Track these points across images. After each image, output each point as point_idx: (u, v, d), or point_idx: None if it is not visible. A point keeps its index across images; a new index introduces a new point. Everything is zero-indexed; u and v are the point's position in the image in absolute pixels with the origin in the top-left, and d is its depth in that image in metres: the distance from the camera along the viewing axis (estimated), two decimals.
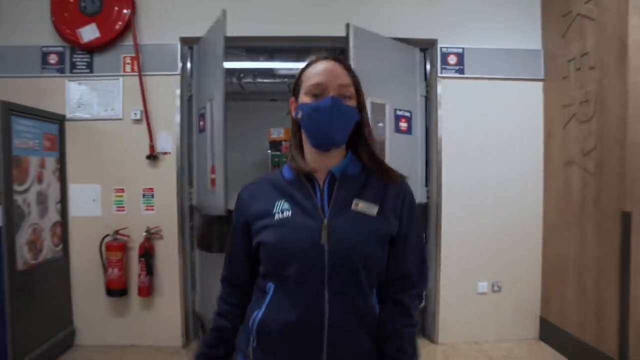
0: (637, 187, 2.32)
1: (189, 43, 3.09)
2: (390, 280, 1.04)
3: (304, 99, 1.02)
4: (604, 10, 2.52)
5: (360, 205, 1.00)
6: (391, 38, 3.01)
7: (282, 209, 1.01)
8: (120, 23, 2.95)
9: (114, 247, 2.92)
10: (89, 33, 2.94)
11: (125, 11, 2.96)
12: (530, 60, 3.12)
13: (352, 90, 1.02)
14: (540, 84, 3.13)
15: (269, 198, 1.04)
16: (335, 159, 1.05)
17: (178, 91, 3.03)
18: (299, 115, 1.02)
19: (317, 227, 0.97)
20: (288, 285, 0.97)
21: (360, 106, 1.05)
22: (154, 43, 3.01)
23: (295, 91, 1.07)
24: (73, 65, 3.01)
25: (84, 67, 3.01)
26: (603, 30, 2.53)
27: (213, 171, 2.73)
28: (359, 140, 1.06)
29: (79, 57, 3.01)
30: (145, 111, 2.99)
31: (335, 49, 3.06)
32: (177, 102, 3.03)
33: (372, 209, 1.01)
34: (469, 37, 3.10)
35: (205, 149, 2.83)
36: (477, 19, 3.12)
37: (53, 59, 3.01)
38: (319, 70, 1.01)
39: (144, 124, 3.00)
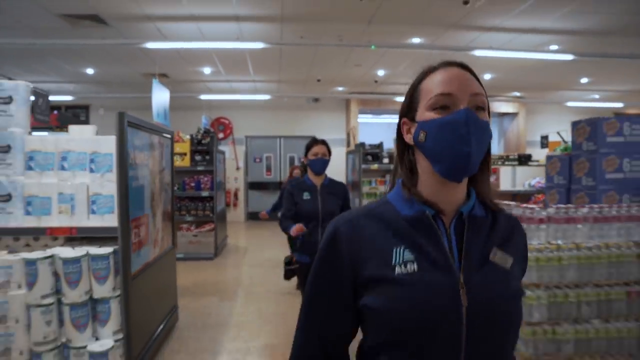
0: None
1: (249, 137, 11.23)
2: None
3: (427, 114, 0.79)
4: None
5: (498, 256, 0.80)
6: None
7: (405, 260, 0.77)
8: (229, 130, 11.08)
9: (227, 192, 10.91)
10: (220, 134, 11.04)
11: (231, 125, 11.08)
12: (339, 142, 11.32)
13: (485, 101, 0.79)
14: (343, 148, 11.36)
15: (383, 242, 0.79)
16: (460, 194, 0.82)
17: (244, 149, 11.14)
18: (421, 137, 0.79)
19: (452, 285, 0.75)
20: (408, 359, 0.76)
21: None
22: (239, 137, 11.14)
23: (408, 111, 0.84)
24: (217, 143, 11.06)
25: (219, 144, 11.05)
26: None
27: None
28: (482, 169, 0.83)
29: (218, 142, 11.07)
30: (235, 155, 11.08)
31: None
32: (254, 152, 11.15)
33: (507, 261, 0.81)
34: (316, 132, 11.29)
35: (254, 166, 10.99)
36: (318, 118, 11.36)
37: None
38: (444, 78, 0.79)
39: (234, 159, 11.06)
